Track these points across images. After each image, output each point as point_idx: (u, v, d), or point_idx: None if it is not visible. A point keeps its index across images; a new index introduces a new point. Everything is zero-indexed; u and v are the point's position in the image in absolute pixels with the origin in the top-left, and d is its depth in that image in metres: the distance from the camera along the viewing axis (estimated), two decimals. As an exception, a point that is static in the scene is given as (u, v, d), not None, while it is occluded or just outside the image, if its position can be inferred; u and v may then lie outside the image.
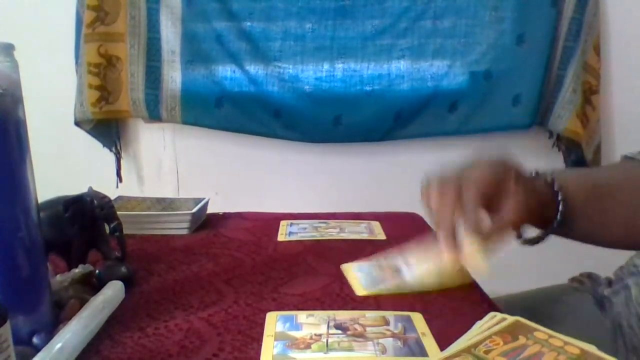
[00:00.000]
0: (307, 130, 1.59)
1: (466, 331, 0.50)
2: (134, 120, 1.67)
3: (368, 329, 0.53)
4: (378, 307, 0.59)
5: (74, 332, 0.50)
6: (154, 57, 1.58)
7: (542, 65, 1.53)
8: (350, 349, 0.49)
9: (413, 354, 0.48)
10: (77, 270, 0.61)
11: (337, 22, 1.55)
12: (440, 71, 1.56)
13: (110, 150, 1.66)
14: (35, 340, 0.48)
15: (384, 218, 0.91)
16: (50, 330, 0.50)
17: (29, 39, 1.54)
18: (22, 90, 0.47)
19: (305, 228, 0.85)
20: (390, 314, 0.56)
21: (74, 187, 0.70)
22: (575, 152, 1.57)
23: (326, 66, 1.57)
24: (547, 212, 0.67)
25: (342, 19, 1.55)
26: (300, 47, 1.56)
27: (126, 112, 1.61)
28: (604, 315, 0.70)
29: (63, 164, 1.61)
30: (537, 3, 1.50)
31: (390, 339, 0.51)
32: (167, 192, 1.69)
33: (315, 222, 0.88)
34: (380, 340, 0.50)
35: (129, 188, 1.66)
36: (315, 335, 0.51)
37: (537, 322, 0.50)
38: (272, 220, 0.89)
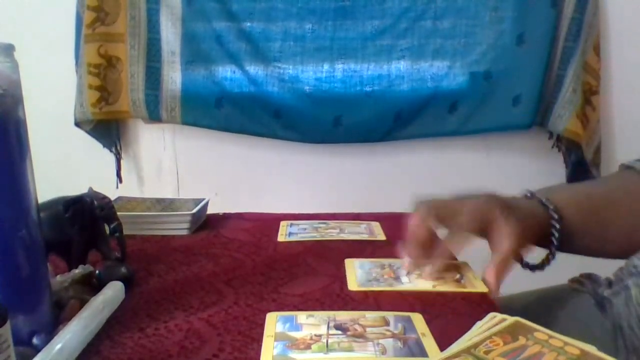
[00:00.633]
0: (307, 131, 1.59)
1: (466, 331, 0.50)
2: (134, 121, 1.68)
3: (368, 329, 0.53)
4: (378, 308, 0.59)
5: (74, 332, 0.50)
6: (154, 58, 1.58)
7: (542, 66, 1.53)
8: (350, 350, 0.49)
9: (413, 355, 0.48)
10: (77, 271, 0.61)
11: (337, 22, 1.55)
12: (440, 71, 1.56)
13: (110, 151, 1.66)
14: (35, 340, 0.48)
15: (384, 218, 0.90)
16: (50, 330, 0.50)
17: (29, 39, 1.54)
18: (22, 90, 0.47)
19: (305, 228, 0.85)
20: (390, 315, 0.56)
21: (74, 188, 0.70)
22: (576, 153, 1.57)
23: (326, 67, 1.57)
24: (546, 232, 0.69)
25: (342, 19, 1.55)
26: (300, 48, 1.56)
27: (126, 112, 1.61)
28: (604, 316, 0.70)
29: (63, 165, 1.61)
30: (537, 3, 1.51)
31: (390, 339, 0.51)
32: (167, 193, 1.69)
33: (315, 223, 0.88)
34: (380, 341, 0.50)
35: (129, 188, 1.66)
36: (315, 335, 0.51)
37: (537, 322, 0.50)
38: (272, 221, 0.89)
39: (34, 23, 1.59)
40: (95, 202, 0.67)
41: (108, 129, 1.64)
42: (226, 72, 1.58)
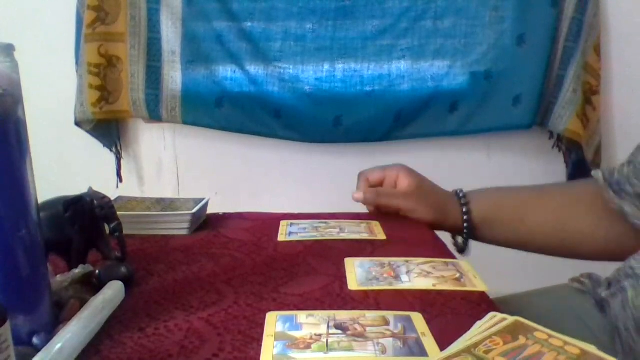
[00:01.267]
0: (307, 131, 1.59)
1: (466, 331, 0.50)
2: (134, 121, 1.68)
3: (368, 329, 0.53)
4: (378, 307, 0.59)
5: (74, 332, 0.50)
6: (155, 57, 1.58)
7: (542, 66, 1.53)
8: (350, 349, 0.49)
9: (413, 354, 0.48)
10: (77, 271, 0.61)
11: (337, 22, 1.55)
12: (441, 71, 1.56)
13: (111, 151, 1.66)
14: (35, 340, 0.48)
15: (383, 218, 0.90)
16: (50, 330, 0.50)
17: (29, 39, 1.55)
18: (22, 90, 0.47)
19: (305, 228, 0.85)
20: (390, 314, 0.56)
21: (74, 187, 0.70)
22: (576, 153, 1.57)
23: (326, 66, 1.57)
24: (458, 219, 0.86)
25: (343, 19, 1.55)
26: (300, 48, 1.56)
27: (126, 112, 1.61)
28: (603, 316, 0.70)
29: (63, 164, 1.61)
30: (538, 3, 1.50)
31: (390, 339, 0.51)
32: (167, 193, 1.69)
33: (315, 222, 0.88)
34: (381, 340, 0.50)
35: (129, 188, 1.66)
36: (315, 335, 0.51)
37: (537, 322, 0.50)
38: (272, 221, 0.89)
39: (34, 23, 1.59)
40: (95, 202, 0.67)
41: (108, 129, 1.64)
42: (226, 71, 1.58)
